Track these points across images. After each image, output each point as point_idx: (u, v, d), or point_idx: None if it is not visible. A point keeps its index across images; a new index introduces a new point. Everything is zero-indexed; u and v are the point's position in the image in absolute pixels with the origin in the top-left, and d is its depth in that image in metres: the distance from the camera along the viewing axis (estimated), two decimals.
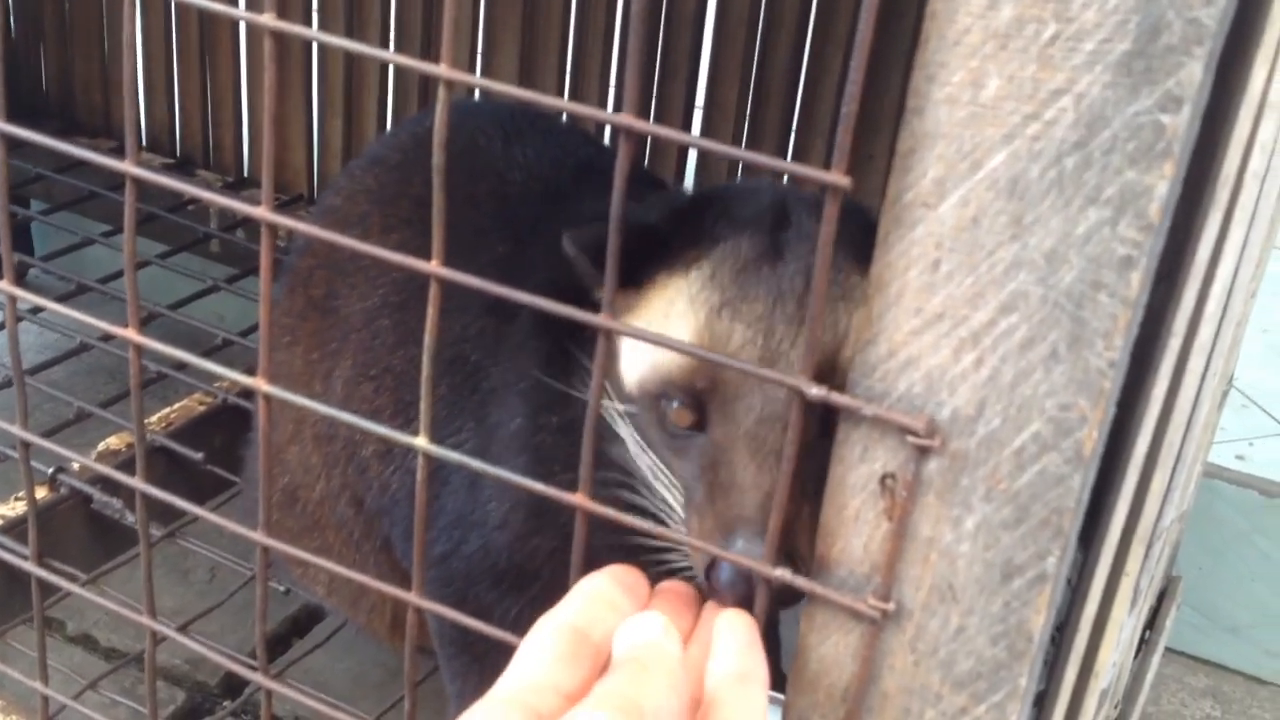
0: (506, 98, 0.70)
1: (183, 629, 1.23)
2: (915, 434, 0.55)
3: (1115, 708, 1.13)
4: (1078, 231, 0.50)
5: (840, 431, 0.58)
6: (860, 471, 0.58)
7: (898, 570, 0.58)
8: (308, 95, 1.96)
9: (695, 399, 0.81)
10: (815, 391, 0.56)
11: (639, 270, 0.86)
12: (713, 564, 0.72)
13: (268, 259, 0.68)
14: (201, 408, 1.51)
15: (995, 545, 0.55)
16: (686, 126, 1.81)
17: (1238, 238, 0.62)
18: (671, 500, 0.86)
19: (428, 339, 0.65)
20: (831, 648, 0.62)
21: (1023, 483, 0.54)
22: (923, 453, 0.56)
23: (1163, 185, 0.48)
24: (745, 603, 0.68)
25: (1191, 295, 0.59)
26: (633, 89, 0.56)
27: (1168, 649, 1.67)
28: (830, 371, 0.78)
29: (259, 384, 0.70)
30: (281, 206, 1.91)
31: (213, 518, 0.76)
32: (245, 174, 2.05)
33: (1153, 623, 1.31)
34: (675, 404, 0.82)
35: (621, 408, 0.88)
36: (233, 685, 1.56)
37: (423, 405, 0.66)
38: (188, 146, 2.09)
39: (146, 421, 1.42)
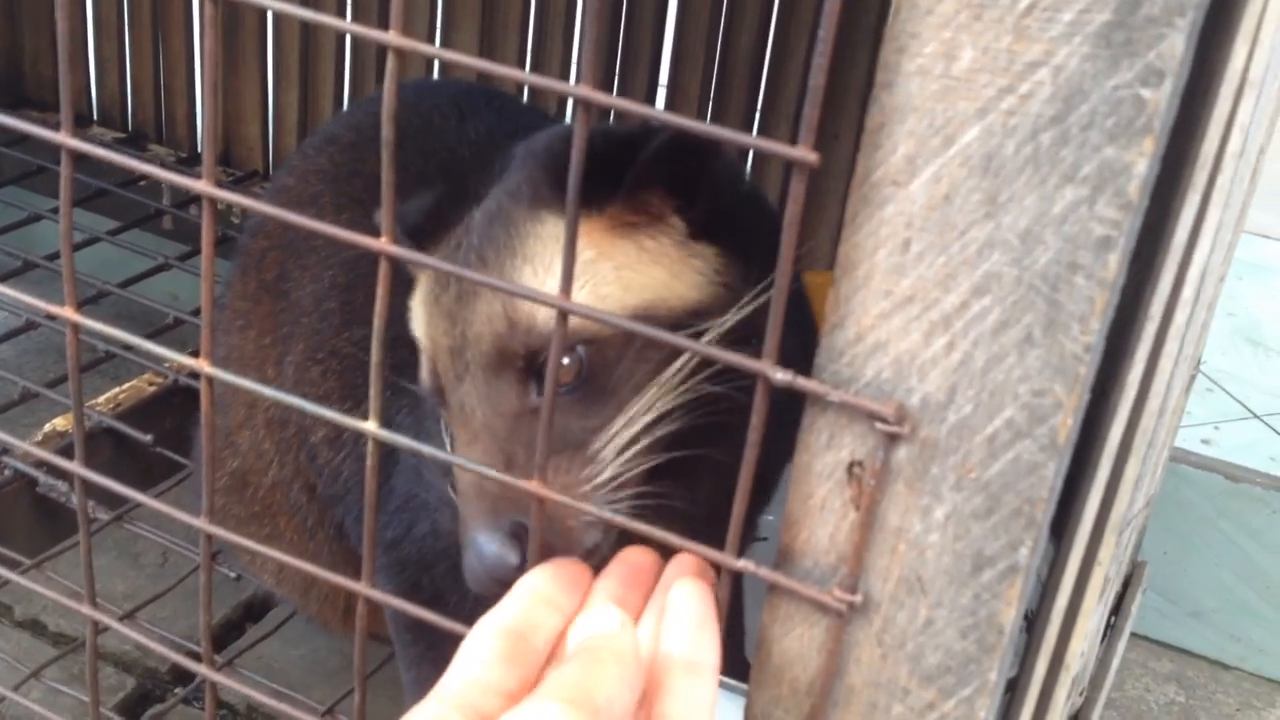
0: (461, 67, 0.68)
1: (130, 615, 1.20)
2: (884, 420, 0.53)
3: (1081, 694, 1.12)
4: (1054, 210, 0.48)
5: (806, 417, 0.56)
6: (826, 459, 0.56)
7: (865, 561, 0.56)
8: (262, 68, 1.92)
9: (435, 380, 0.82)
10: (780, 376, 0.54)
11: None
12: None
13: (209, 235, 0.65)
14: (152, 388, 1.47)
15: (965, 536, 0.54)
16: (652, 88, 1.78)
17: (1214, 219, 0.60)
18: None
19: (376, 321, 0.62)
20: (796, 640, 0.60)
21: (995, 471, 0.52)
22: (891, 440, 0.54)
23: (1142, 163, 0.46)
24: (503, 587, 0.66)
25: (1168, 278, 0.57)
26: (591, 60, 0.54)
27: (1132, 634, 1.67)
28: (516, 326, 0.77)
29: (201, 365, 0.67)
30: (236, 183, 1.88)
31: (154, 504, 0.73)
32: (198, 149, 2.00)
33: (1118, 608, 1.30)
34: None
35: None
36: (184, 672, 1.53)
37: (372, 390, 0.64)
38: (139, 121, 2.04)
39: (94, 402, 1.39)
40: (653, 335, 0.58)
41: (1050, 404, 0.50)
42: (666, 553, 0.67)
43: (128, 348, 1.52)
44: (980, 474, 0.53)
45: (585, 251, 0.78)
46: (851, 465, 0.56)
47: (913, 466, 0.54)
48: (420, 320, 0.83)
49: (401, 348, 1.03)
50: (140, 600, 1.32)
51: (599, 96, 0.54)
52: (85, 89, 2.05)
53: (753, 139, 0.53)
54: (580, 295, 0.77)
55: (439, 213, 0.86)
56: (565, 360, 0.76)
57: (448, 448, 0.86)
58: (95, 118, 2.05)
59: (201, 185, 0.63)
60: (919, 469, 0.54)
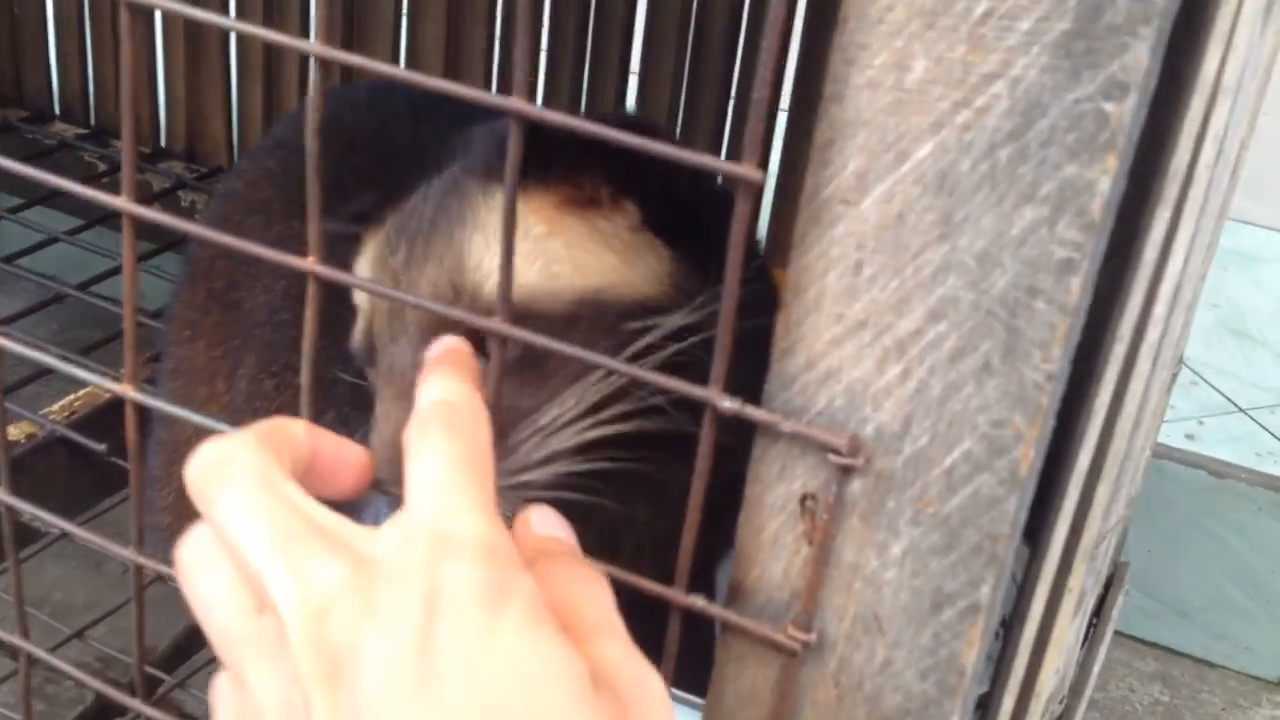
0: (385, 77, 0.65)
1: (80, 634, 1.17)
2: (837, 452, 0.50)
3: (1060, 703, 1.09)
4: (1012, 232, 0.45)
5: (756, 448, 0.54)
6: (778, 491, 0.53)
7: (819, 598, 0.54)
8: (225, 62, 1.88)
9: (367, 358, 0.81)
10: (728, 405, 0.51)
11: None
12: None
13: (130, 254, 0.62)
14: (108, 395, 1.43)
15: (924, 573, 0.51)
16: (620, 101, 1.75)
17: (1188, 232, 0.57)
18: None
19: (306, 344, 0.59)
20: (749, 680, 0.57)
21: (953, 506, 0.50)
22: (845, 472, 0.51)
23: (1105, 181, 0.43)
24: None
25: (1138, 298, 0.55)
26: (523, 71, 0.51)
27: (1116, 632, 1.65)
28: (457, 298, 0.76)
29: (125, 390, 0.64)
30: (200, 180, 1.84)
31: (80, 533, 0.70)
32: (162, 144, 1.96)
33: (1099, 610, 1.28)
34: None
35: None
36: (149, 679, 1.50)
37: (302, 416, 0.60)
38: (102, 117, 2.00)
39: (49, 410, 1.36)
40: (597, 360, 0.55)
41: (1010, 435, 0.48)
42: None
43: (87, 351, 1.49)
44: (938, 508, 0.50)
45: (536, 226, 0.77)
46: (804, 498, 0.53)
47: (868, 500, 0.51)
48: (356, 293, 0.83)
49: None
50: (103, 609, 1.28)
51: (532, 110, 0.51)
52: (46, 85, 2.01)
53: (694, 156, 0.50)
54: (531, 272, 0.76)
55: (387, 197, 0.85)
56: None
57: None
58: (58, 113, 2.00)
59: (120, 201, 0.60)
60: (874, 503, 0.51)
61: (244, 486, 0.50)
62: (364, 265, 0.83)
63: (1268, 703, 1.65)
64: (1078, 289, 0.45)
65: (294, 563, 0.47)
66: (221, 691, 0.51)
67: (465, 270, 0.76)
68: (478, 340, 0.74)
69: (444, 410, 0.53)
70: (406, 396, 0.74)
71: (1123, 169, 0.43)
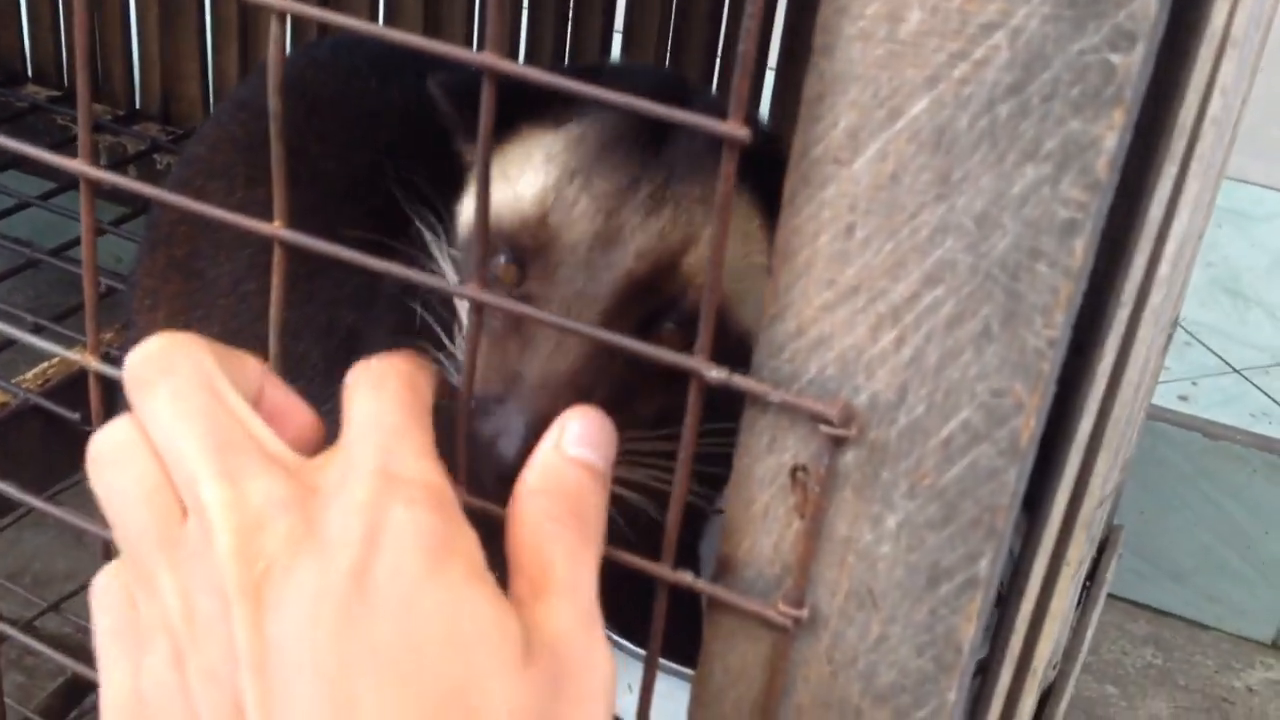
0: (351, 32, 0.62)
1: (55, 606, 1.15)
2: (829, 422, 0.48)
3: (1054, 668, 1.08)
4: (1013, 191, 0.43)
5: (745, 418, 0.52)
6: (768, 463, 0.51)
7: (812, 573, 0.52)
8: (200, 20, 1.84)
9: (520, 254, 0.76)
10: (715, 374, 0.49)
11: (506, 121, 0.79)
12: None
13: (89, 221, 0.60)
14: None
15: (920, 547, 0.49)
16: (605, 50, 1.72)
17: (1193, 191, 0.55)
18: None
19: (273, 311, 0.57)
20: (739, 657, 0.55)
21: (951, 477, 0.48)
22: (837, 443, 0.49)
23: (1111, 136, 0.41)
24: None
25: (1142, 260, 0.53)
26: (495, 25, 0.48)
27: (1108, 595, 1.64)
28: (671, 271, 0.74)
29: (87, 360, 0.62)
30: (175, 141, 1.81)
31: (46, 507, 0.68)
32: (136, 105, 1.92)
33: (1093, 574, 1.27)
34: (501, 259, 0.76)
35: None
36: None
37: None
38: (75, 78, 1.96)
39: (22, 378, 1.33)
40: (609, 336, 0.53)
41: (1010, 404, 0.46)
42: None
43: (61, 318, 1.46)
44: (935, 480, 0.48)
45: (752, 220, 0.78)
46: (795, 470, 0.51)
47: (861, 472, 0.49)
48: (540, 177, 0.77)
49: (335, 335, 0.96)
50: (84, 579, 1.26)
51: (505, 65, 0.48)
52: (19, 47, 1.97)
53: (678, 113, 0.47)
54: (738, 261, 0.77)
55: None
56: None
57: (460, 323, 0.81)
58: (30, 76, 1.97)
59: (77, 164, 0.58)
60: (868, 474, 0.49)
61: (186, 382, 0.48)
62: (540, 159, 0.78)
63: (1260, 665, 1.64)
64: (1081, 251, 0.43)
65: (231, 470, 0.45)
66: (106, 591, 0.48)
67: (698, 240, 0.74)
68: (647, 326, 0.73)
69: (393, 359, 0.52)
70: (570, 344, 0.70)
71: (1129, 124, 0.41)
